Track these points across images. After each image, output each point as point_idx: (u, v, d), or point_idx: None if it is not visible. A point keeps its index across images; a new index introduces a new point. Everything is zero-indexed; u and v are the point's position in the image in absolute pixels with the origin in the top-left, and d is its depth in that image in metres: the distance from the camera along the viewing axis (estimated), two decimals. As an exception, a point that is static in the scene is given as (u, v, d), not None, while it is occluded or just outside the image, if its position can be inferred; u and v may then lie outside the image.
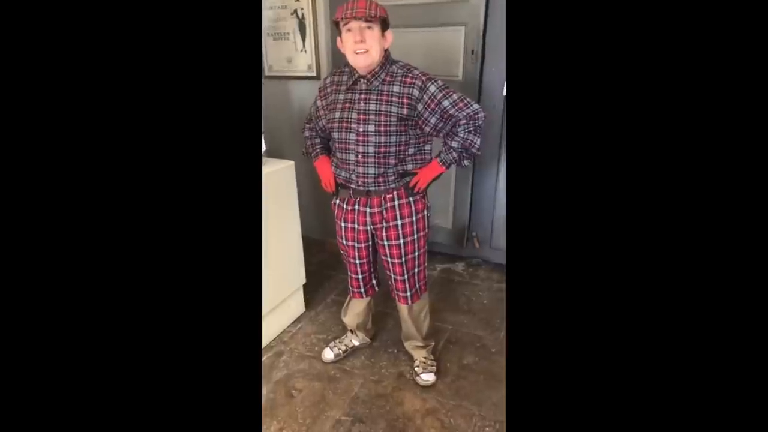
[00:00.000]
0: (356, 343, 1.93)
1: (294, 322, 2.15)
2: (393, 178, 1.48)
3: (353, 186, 1.51)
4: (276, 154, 2.56)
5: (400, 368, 1.84)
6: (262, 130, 2.80)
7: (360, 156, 1.44)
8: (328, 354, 1.87)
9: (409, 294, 1.65)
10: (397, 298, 1.69)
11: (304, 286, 2.19)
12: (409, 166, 1.50)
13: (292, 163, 1.93)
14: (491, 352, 1.91)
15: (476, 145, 1.44)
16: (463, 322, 2.11)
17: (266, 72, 2.69)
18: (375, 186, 1.49)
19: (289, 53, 2.58)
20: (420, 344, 1.81)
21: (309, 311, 2.22)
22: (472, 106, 1.40)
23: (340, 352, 1.88)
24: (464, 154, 1.47)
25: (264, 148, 1.88)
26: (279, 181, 1.85)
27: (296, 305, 2.17)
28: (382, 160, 1.44)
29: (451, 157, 1.48)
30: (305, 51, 2.52)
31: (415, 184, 1.52)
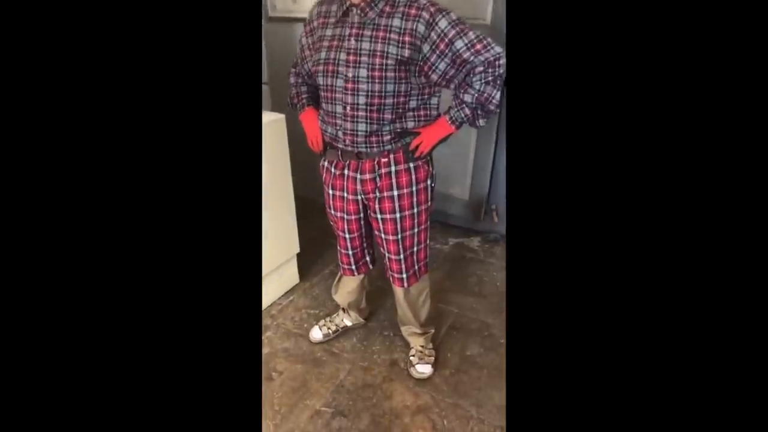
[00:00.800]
0: (348, 323, 1.73)
1: (286, 293, 1.97)
2: (389, 137, 1.21)
3: (341, 146, 1.26)
4: (282, 108, 2.31)
5: (394, 355, 1.64)
6: (263, 80, 2.54)
7: (348, 108, 1.17)
8: (317, 333, 1.69)
9: (405, 276, 1.42)
10: (391, 279, 1.46)
11: (299, 254, 1.99)
12: (410, 124, 1.22)
13: (281, 116, 1.68)
14: (499, 343, 1.68)
15: (494, 101, 1.15)
16: (471, 306, 1.88)
17: (269, 13, 2.39)
18: (366, 147, 1.22)
19: (294, -10, 2.26)
20: (417, 331, 1.59)
21: (303, 282, 2.03)
22: (492, 48, 1.09)
23: (330, 332, 1.69)
24: (479, 112, 1.18)
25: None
26: (267, 138, 1.61)
27: (289, 276, 1.98)
28: (375, 115, 1.17)
29: (463, 115, 1.19)
30: (311, -13, 2.19)
31: (417, 147, 1.24)
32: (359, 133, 1.20)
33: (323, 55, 1.17)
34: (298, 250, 1.96)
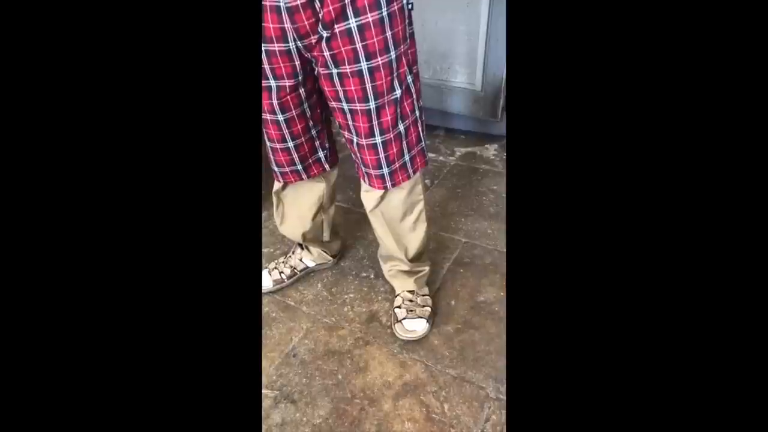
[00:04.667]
0: (310, 263, 1.22)
1: (233, 227, 1.46)
2: None
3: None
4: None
5: (373, 306, 1.14)
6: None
7: None
8: (265, 280, 1.19)
9: (387, 171, 0.88)
10: (366, 178, 0.92)
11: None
12: None
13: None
14: (528, 283, 1.16)
15: None
16: (484, 233, 1.35)
17: None
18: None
19: None
20: (404, 268, 1.07)
21: (257, 213, 1.51)
22: None
23: (283, 277, 1.20)
24: None
25: None
26: None
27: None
28: None
29: None
30: None
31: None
32: None
33: None
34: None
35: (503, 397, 0.90)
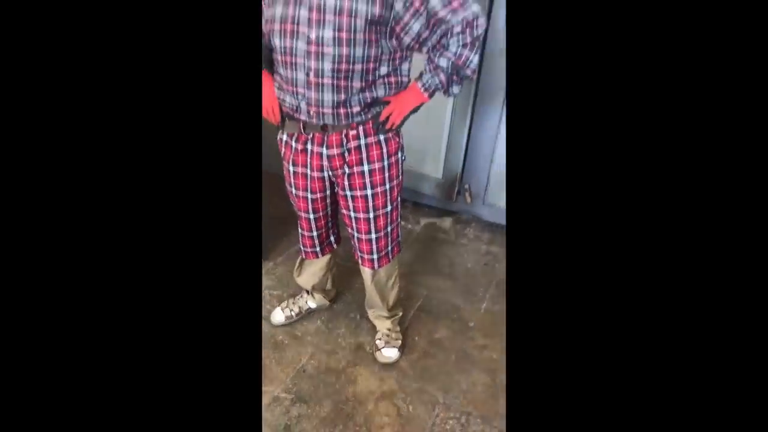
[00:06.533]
0: (313, 305, 1.65)
1: (247, 273, 1.86)
2: (358, 108, 1.11)
3: (304, 118, 1.14)
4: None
5: (359, 338, 1.57)
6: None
7: (312, 75, 1.05)
8: (278, 316, 1.60)
9: (376, 257, 1.34)
10: (360, 260, 1.38)
11: (262, 231, 1.88)
12: (380, 92, 1.12)
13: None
14: (468, 326, 1.64)
15: (472, 65, 1.06)
16: (440, 288, 1.83)
17: None
18: (334, 119, 1.11)
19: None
20: (384, 314, 1.52)
21: (266, 262, 1.93)
22: (469, 7, 0.99)
23: (293, 314, 1.61)
24: (455, 77, 1.09)
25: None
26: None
27: (250, 254, 1.87)
28: (343, 83, 1.06)
29: (437, 81, 1.10)
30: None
31: (387, 118, 1.15)
32: (325, 103, 1.09)
33: (279, 11, 1.04)
34: (260, 227, 1.85)
35: (449, 402, 1.35)
